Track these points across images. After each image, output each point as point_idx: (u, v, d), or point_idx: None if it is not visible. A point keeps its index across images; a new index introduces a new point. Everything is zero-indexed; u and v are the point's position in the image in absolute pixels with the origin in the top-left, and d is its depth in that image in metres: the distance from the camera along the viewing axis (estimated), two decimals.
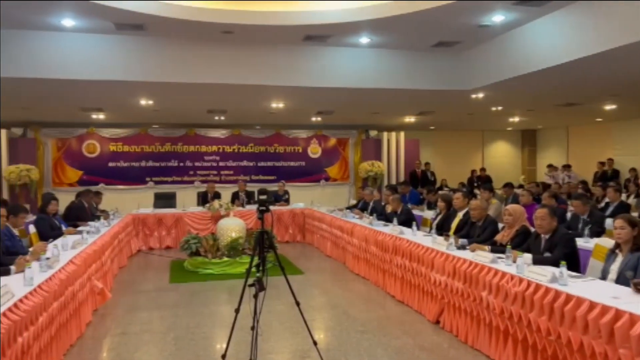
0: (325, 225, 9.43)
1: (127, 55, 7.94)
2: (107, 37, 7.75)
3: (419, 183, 14.26)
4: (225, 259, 7.89)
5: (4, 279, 3.69)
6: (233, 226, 8.45)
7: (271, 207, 4.08)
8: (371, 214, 8.19)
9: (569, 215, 7.34)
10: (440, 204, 6.98)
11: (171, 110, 11.44)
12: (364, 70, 8.79)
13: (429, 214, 8.40)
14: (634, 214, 6.38)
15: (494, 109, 11.81)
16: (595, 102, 10.97)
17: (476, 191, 12.09)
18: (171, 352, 4.49)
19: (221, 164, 14.33)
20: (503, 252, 4.41)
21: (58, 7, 6.62)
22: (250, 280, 3.73)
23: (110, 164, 13.59)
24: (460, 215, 6.42)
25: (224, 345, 3.86)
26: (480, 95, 9.62)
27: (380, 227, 7.16)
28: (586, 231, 5.84)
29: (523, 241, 4.84)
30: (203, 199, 11.15)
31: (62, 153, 13.28)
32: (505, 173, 16.50)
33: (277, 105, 10.70)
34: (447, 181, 14.80)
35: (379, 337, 4.82)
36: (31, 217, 7.72)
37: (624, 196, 9.61)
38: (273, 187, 12.59)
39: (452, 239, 5.25)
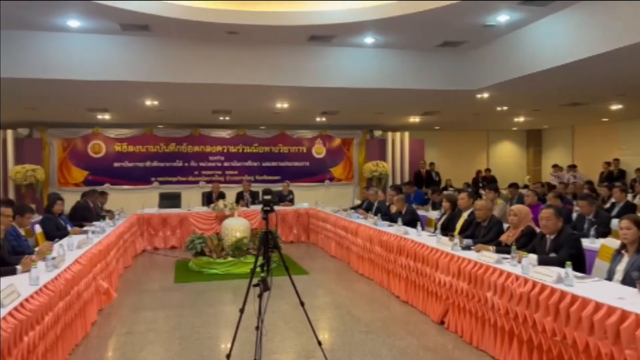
0: (330, 225, 9.43)
1: (133, 56, 7.97)
2: (112, 37, 7.78)
3: (424, 183, 14.23)
4: (230, 259, 7.91)
5: (11, 278, 3.72)
6: (237, 226, 8.46)
7: (275, 207, 4.08)
8: (375, 214, 8.19)
9: (574, 215, 7.31)
10: (445, 204, 6.97)
11: (176, 111, 11.47)
12: (369, 70, 8.78)
13: (433, 214, 8.38)
14: None
15: (499, 109, 11.78)
16: (601, 102, 10.92)
17: (481, 191, 12.05)
18: (176, 352, 4.50)
19: (226, 164, 14.35)
20: (508, 252, 4.39)
21: (64, 8, 6.65)
22: (255, 280, 3.74)
23: (116, 164, 13.64)
24: (465, 215, 6.41)
25: (229, 345, 3.87)
26: (486, 95, 9.60)
27: (384, 227, 7.15)
28: (592, 232, 5.81)
29: (528, 242, 4.83)
30: (208, 199, 11.17)
31: (67, 153, 13.34)
32: (510, 173, 16.45)
33: (282, 105, 10.71)
34: (451, 181, 14.77)
35: (383, 337, 4.82)
36: (37, 217, 7.74)
37: (630, 196, 9.57)
38: (277, 187, 12.59)
39: (456, 240, 5.24)
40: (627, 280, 3.70)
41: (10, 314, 3.07)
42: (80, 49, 7.71)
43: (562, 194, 8.70)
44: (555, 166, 15.42)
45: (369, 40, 8.26)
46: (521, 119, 14.29)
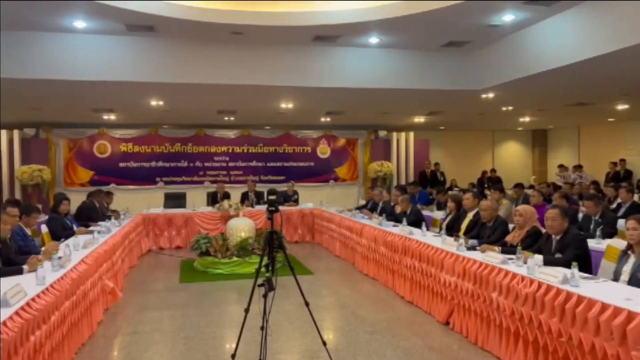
0: (335, 225, 9.43)
1: (138, 56, 7.99)
2: (118, 38, 7.81)
3: (429, 183, 14.21)
4: (235, 259, 7.92)
5: (17, 278, 3.74)
6: (242, 226, 8.48)
7: (280, 208, 4.09)
8: (380, 215, 8.18)
9: (580, 216, 7.28)
10: (450, 204, 6.95)
11: (181, 111, 11.50)
12: (374, 70, 8.77)
13: (438, 215, 8.37)
14: None
15: (504, 109, 11.75)
16: (606, 101, 10.86)
17: (486, 192, 12.02)
18: (181, 352, 4.51)
19: (231, 164, 14.37)
20: (514, 253, 4.38)
21: (70, 9, 6.68)
22: (260, 280, 3.74)
23: (121, 164, 13.69)
24: (470, 215, 6.39)
25: (234, 345, 3.88)
26: (491, 95, 9.57)
27: (389, 227, 7.15)
28: (598, 232, 5.79)
29: (534, 242, 4.81)
30: (213, 199, 11.19)
31: (73, 153, 13.39)
32: (515, 173, 16.40)
33: (287, 105, 10.72)
34: (456, 181, 14.73)
35: (388, 337, 4.82)
36: (43, 217, 7.79)
37: (636, 197, 9.49)
38: (282, 188, 12.61)
39: (462, 240, 5.23)
40: (634, 281, 3.69)
41: (17, 313, 3.09)
42: (86, 49, 7.74)
43: (568, 194, 8.66)
44: (561, 166, 15.36)
45: (373, 40, 8.25)
46: (526, 119, 14.25)
